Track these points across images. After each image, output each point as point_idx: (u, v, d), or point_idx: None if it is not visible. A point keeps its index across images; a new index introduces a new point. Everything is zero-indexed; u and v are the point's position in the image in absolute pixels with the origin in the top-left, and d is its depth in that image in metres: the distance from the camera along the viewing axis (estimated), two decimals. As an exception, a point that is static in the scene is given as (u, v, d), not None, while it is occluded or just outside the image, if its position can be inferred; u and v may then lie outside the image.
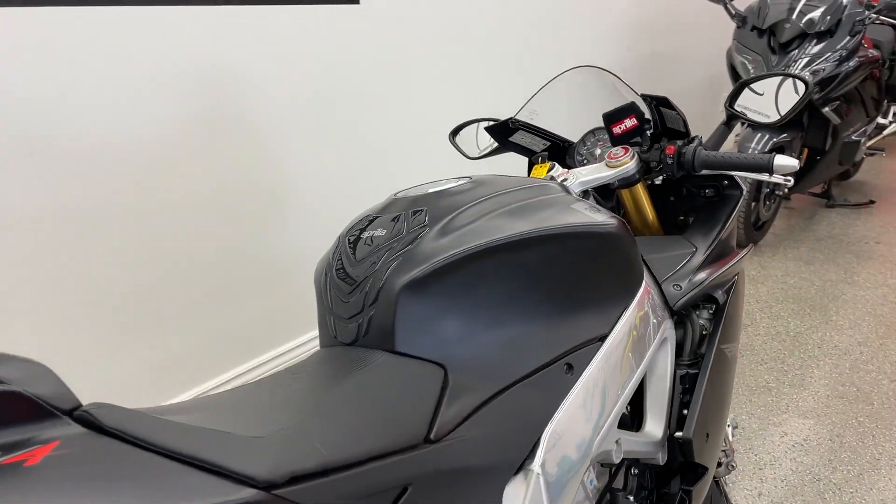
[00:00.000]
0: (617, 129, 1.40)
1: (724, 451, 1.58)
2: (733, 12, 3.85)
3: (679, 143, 1.34)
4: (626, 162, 1.34)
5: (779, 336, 2.95)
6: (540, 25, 3.48)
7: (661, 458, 1.20)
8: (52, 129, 1.73)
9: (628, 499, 1.19)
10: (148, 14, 1.88)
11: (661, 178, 1.46)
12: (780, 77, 1.33)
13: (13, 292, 1.73)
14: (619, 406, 1.07)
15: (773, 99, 1.33)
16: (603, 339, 1.06)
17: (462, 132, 1.68)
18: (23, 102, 1.67)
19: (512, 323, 0.96)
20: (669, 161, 1.32)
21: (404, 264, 0.90)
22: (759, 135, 3.69)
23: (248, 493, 0.58)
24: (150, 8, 1.88)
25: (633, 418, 1.23)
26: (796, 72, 3.58)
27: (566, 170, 1.40)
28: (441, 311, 0.90)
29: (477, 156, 1.65)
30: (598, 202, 1.45)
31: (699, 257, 1.29)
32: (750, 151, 3.66)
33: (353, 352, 0.90)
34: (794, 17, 3.66)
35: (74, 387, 1.85)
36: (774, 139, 3.70)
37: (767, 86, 1.34)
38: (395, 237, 0.95)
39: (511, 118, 1.52)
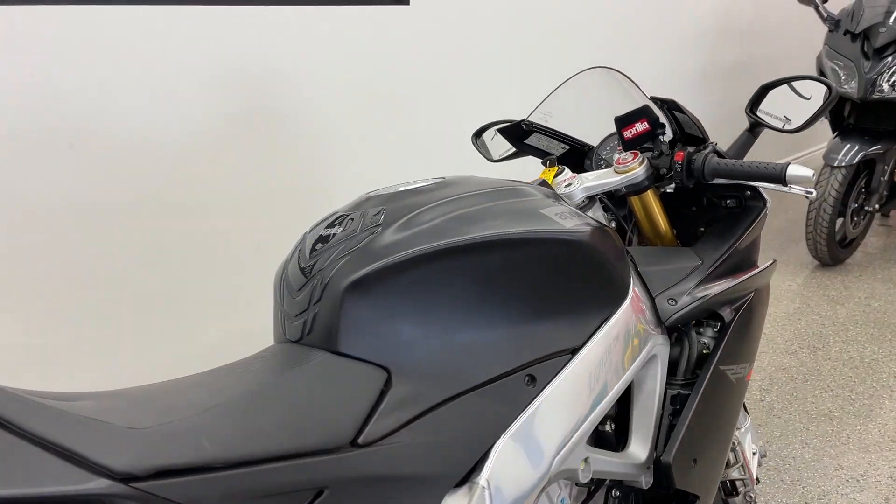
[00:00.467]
0: (628, 134, 1.33)
1: (741, 480, 1.48)
2: (825, 15, 3.62)
3: (690, 149, 1.27)
4: (633, 168, 1.27)
5: (851, 362, 2.74)
6: (608, 28, 3.39)
7: (645, 482, 1.13)
8: (92, 123, 1.82)
9: None
10: (196, 13, 1.95)
11: (673, 186, 1.38)
12: (805, 81, 1.23)
13: (51, 275, 1.83)
14: (590, 423, 1.01)
15: (797, 104, 1.24)
16: (574, 351, 1.01)
17: (485, 134, 1.65)
18: (66, 97, 1.77)
19: (466, 329, 0.93)
20: (678, 168, 1.25)
21: (351, 263, 0.89)
22: (847, 145, 3.45)
23: (102, 483, 0.58)
24: (199, 7, 1.96)
25: (618, 437, 1.16)
26: (890, 81, 3.33)
27: (574, 174, 1.35)
28: (387, 312, 0.88)
29: (497, 159, 1.61)
30: (608, 209, 1.38)
31: (702, 272, 1.21)
32: (836, 163, 3.43)
33: (296, 350, 0.90)
34: (892, 21, 3.40)
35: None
36: (866, 150, 3.45)
37: (791, 90, 1.24)
38: (348, 236, 0.93)
39: (524, 120, 1.48)
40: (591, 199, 1.32)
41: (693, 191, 1.37)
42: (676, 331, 1.23)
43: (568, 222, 0.99)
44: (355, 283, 0.87)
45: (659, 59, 3.76)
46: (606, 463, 1.08)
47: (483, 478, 0.89)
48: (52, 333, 1.85)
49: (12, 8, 1.66)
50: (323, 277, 0.90)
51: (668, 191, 1.38)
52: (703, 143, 1.31)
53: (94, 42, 1.79)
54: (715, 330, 1.25)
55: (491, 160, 1.63)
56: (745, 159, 1.25)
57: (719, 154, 1.28)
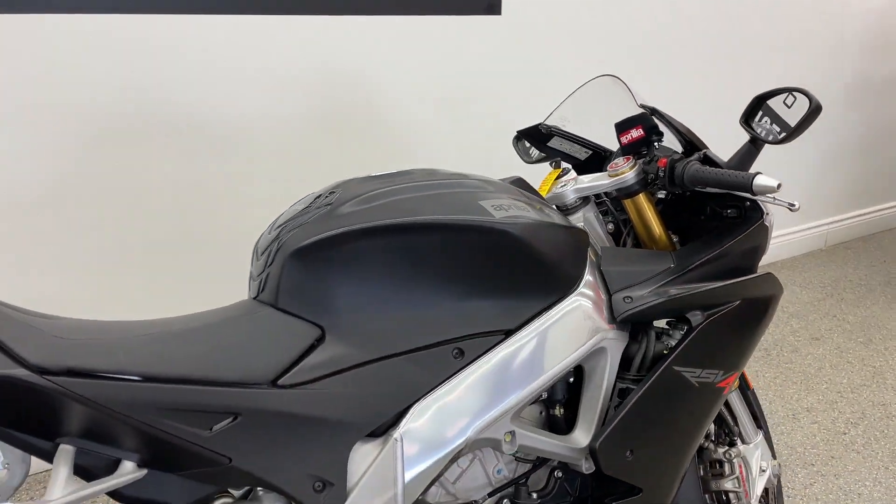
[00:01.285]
0: (624, 139, 1.38)
1: (736, 492, 1.46)
2: None
3: (675, 156, 1.30)
4: (623, 172, 1.33)
5: (965, 406, 2.49)
6: (722, 38, 3.29)
7: (586, 467, 1.19)
8: (199, 115, 2.13)
9: (531, 495, 1.20)
10: (303, 22, 2.21)
11: (665, 192, 1.41)
12: (793, 92, 1.22)
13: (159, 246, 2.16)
14: (516, 400, 1.10)
15: (786, 115, 1.23)
16: (509, 333, 1.11)
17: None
18: (180, 89, 2.08)
19: (399, 300, 1.06)
20: (661, 174, 1.29)
21: (299, 234, 1.05)
22: None
23: (20, 371, 0.78)
24: (305, 17, 2.21)
25: (569, 423, 1.23)
26: None
27: (575, 176, 1.42)
28: (325, 277, 1.04)
29: (532, 161, 1.70)
30: (609, 212, 1.44)
31: (671, 274, 1.23)
32: None
33: (250, 304, 1.07)
34: None
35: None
36: None
37: (782, 101, 1.24)
38: (306, 211, 1.10)
39: (541, 123, 1.57)
40: (584, 200, 1.39)
41: (697, 199, 1.39)
42: (638, 327, 1.26)
43: (501, 214, 1.08)
44: (298, 251, 1.02)
45: (786, 76, 3.58)
46: (542, 442, 1.16)
47: (398, 432, 1.02)
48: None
49: (171, 17, 1.99)
50: (278, 244, 1.06)
51: (661, 196, 1.41)
52: (697, 150, 1.33)
53: (218, 45, 2.10)
54: (682, 332, 1.27)
55: (527, 162, 1.72)
56: (734, 168, 1.26)
57: (711, 162, 1.30)
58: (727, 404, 1.52)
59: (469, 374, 1.07)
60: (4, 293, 2.00)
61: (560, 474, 1.24)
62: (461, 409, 1.06)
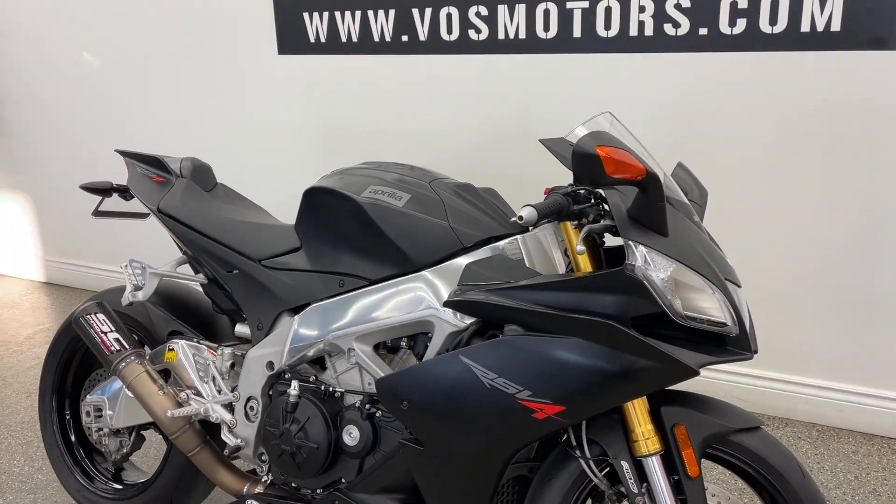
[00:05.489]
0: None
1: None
2: None
3: (560, 189, 1.38)
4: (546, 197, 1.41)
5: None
6: None
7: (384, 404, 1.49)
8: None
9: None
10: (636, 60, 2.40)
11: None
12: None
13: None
14: (362, 329, 1.52)
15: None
16: (371, 282, 1.56)
17: None
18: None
19: (327, 239, 1.65)
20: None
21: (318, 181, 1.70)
22: None
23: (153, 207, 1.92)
24: (637, 54, 2.41)
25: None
26: None
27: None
28: (311, 216, 1.69)
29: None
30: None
31: (509, 288, 1.34)
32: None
33: (287, 225, 1.83)
34: None
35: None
36: None
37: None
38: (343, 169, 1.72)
39: (542, 139, 1.59)
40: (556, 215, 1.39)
41: None
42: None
43: (370, 196, 1.55)
44: (306, 191, 1.68)
45: None
46: (366, 366, 1.53)
47: (297, 316, 1.63)
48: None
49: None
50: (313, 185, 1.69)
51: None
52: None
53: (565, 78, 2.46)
54: (490, 334, 1.39)
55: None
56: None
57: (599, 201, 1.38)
58: (640, 468, 1.39)
59: (341, 299, 1.58)
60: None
61: (363, 399, 1.58)
62: (329, 318, 1.58)
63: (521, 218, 1.24)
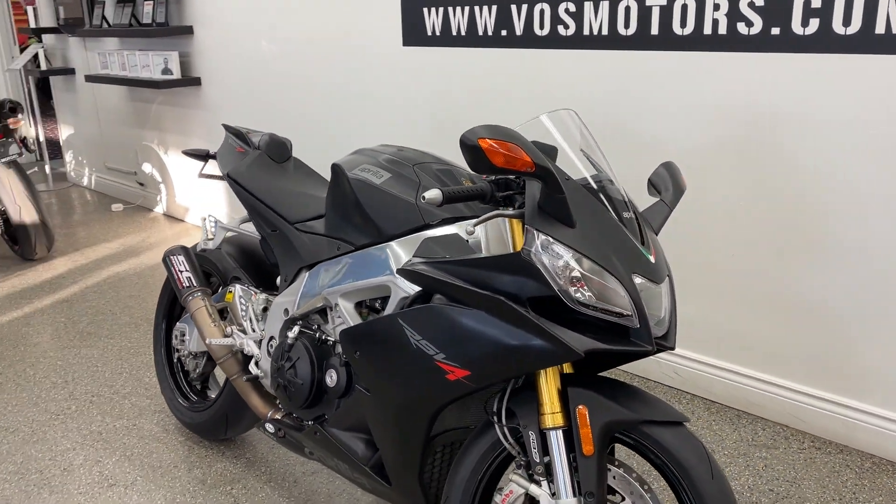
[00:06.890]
0: None
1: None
2: None
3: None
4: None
5: None
6: None
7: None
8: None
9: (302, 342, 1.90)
10: (711, 58, 2.43)
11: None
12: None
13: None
14: (346, 288, 1.76)
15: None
16: (357, 248, 1.80)
17: None
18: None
19: (338, 209, 1.87)
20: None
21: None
22: None
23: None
24: (712, 53, 2.43)
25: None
26: None
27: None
28: (332, 189, 1.90)
29: None
30: None
31: (446, 263, 1.46)
32: None
33: None
34: None
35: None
36: None
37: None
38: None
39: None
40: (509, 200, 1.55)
41: None
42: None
43: (357, 174, 1.79)
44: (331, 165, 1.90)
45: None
46: (346, 318, 1.75)
47: (307, 272, 1.95)
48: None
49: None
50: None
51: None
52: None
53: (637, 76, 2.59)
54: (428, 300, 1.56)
55: None
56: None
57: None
58: (545, 440, 1.49)
59: (334, 261, 1.85)
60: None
61: (324, 335, 1.90)
62: (326, 276, 1.85)
63: (423, 198, 1.38)
